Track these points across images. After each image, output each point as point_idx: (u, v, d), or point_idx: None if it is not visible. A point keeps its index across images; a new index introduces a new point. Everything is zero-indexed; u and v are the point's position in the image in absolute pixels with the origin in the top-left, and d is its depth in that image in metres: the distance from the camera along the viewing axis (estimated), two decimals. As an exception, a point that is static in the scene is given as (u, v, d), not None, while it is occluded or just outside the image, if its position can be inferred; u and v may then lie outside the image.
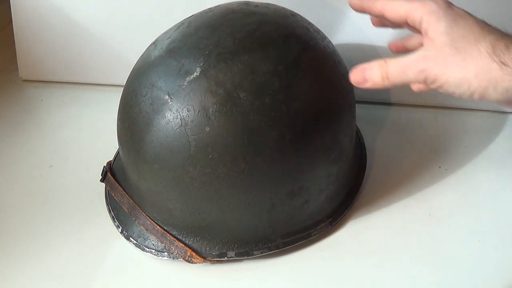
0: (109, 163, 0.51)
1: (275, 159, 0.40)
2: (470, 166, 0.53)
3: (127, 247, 0.46)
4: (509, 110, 0.59)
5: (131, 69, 0.46)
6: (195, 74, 0.40)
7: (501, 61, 0.34)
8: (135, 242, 0.46)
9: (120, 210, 0.48)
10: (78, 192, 0.52)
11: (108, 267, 0.45)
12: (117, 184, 0.48)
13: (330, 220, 0.46)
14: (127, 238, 0.46)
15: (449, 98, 0.60)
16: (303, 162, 0.41)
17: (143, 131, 0.41)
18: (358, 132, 0.54)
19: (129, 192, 0.47)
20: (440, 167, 0.53)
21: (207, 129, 0.39)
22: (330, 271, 0.44)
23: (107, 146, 0.55)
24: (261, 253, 0.44)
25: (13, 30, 0.63)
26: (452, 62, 0.35)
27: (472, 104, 0.59)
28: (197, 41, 0.41)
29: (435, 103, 0.60)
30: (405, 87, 0.59)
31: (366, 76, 0.38)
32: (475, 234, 0.46)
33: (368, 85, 0.38)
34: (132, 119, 0.42)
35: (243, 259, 0.44)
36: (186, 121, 0.39)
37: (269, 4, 0.45)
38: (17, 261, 0.46)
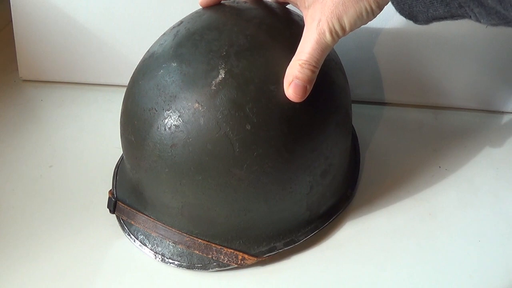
0: (111, 192, 0.49)
1: (311, 141, 0.41)
2: (470, 166, 0.53)
3: (127, 247, 0.46)
4: (509, 110, 0.59)
5: (130, 88, 0.44)
6: (220, 76, 0.39)
7: None
8: (178, 263, 0.44)
9: (146, 235, 0.46)
10: (78, 192, 0.52)
11: (107, 267, 0.45)
12: (134, 211, 0.46)
13: (349, 192, 0.49)
14: (164, 261, 0.44)
15: (449, 98, 0.60)
16: (330, 140, 0.43)
17: (176, 146, 0.40)
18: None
19: (152, 215, 0.45)
20: (440, 167, 0.53)
21: (248, 127, 0.39)
22: (329, 272, 0.44)
23: (107, 146, 0.55)
24: (305, 237, 0.45)
25: (13, 30, 0.63)
26: (339, 8, 0.37)
27: (472, 104, 0.59)
28: (208, 45, 0.41)
29: (435, 103, 0.60)
30: (405, 88, 0.60)
31: (298, 84, 0.39)
32: (475, 234, 0.47)
33: (309, 87, 0.39)
34: (158, 137, 0.41)
35: (290, 248, 0.45)
36: (225, 124, 0.39)
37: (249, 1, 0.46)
38: (17, 261, 0.46)
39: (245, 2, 0.45)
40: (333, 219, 0.47)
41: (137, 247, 0.46)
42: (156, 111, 0.41)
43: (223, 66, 0.40)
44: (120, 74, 0.62)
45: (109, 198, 0.48)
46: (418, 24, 0.37)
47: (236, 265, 0.43)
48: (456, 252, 0.45)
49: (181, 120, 0.40)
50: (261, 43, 0.41)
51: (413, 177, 0.52)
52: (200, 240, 0.44)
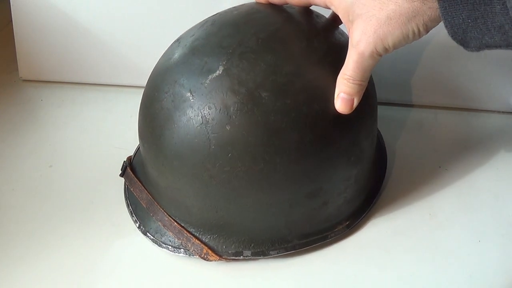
0: (129, 158, 0.51)
1: (294, 160, 0.40)
2: (470, 166, 0.53)
3: (127, 247, 0.46)
4: (509, 110, 0.59)
5: (154, 67, 0.46)
6: (217, 72, 0.40)
7: None
8: (152, 237, 0.46)
9: (138, 205, 0.48)
10: (78, 192, 0.52)
11: (108, 267, 0.45)
12: (136, 179, 0.48)
13: (347, 223, 0.46)
14: (144, 234, 0.46)
15: (449, 98, 0.60)
16: (322, 165, 0.41)
17: (163, 127, 0.42)
18: (378, 133, 0.53)
19: (148, 187, 0.47)
20: (440, 167, 0.53)
21: (228, 127, 0.39)
22: (330, 272, 0.44)
23: (107, 146, 0.55)
24: (277, 253, 0.44)
25: (13, 30, 0.63)
26: (383, 28, 0.36)
27: (472, 104, 0.59)
28: (221, 40, 0.41)
29: (435, 103, 0.60)
30: (405, 87, 0.60)
31: (345, 98, 0.40)
32: (475, 234, 0.46)
33: (355, 102, 0.40)
34: (154, 115, 0.43)
35: (259, 259, 0.44)
36: (207, 119, 0.39)
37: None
38: (17, 261, 0.46)
39: (282, 6, 0.44)
40: (316, 245, 0.45)
41: (127, 213, 0.48)
42: (158, 91, 0.42)
43: (224, 63, 0.40)
44: (120, 74, 0.62)
45: (124, 162, 0.50)
46: (468, 50, 0.36)
47: (200, 257, 0.44)
48: (456, 252, 0.45)
49: (172, 105, 0.41)
50: (270, 48, 0.40)
51: (413, 177, 0.52)
52: (175, 223, 0.45)
